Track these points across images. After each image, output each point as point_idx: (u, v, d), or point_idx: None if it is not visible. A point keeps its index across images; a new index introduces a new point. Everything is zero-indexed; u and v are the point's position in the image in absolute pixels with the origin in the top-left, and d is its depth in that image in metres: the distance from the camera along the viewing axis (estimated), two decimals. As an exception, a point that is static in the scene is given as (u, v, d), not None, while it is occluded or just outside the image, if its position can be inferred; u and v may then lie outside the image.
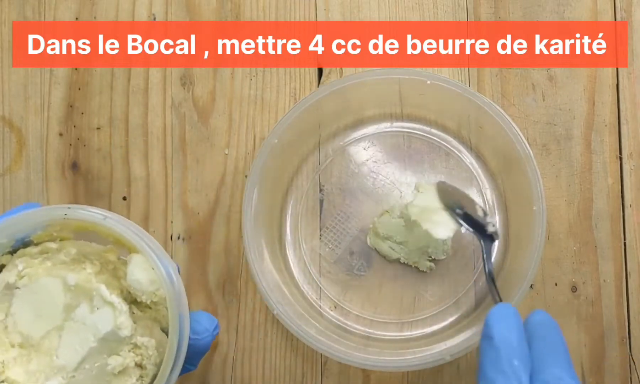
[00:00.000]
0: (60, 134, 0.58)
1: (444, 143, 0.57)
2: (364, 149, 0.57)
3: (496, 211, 0.56)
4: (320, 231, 0.56)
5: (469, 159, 0.57)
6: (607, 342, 0.55)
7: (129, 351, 0.39)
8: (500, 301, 0.45)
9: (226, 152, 0.57)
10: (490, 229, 0.50)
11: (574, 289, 0.56)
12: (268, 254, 0.54)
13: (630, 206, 0.56)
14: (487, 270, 0.48)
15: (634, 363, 0.55)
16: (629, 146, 0.57)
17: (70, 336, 0.39)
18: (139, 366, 0.39)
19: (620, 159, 0.57)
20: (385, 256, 0.55)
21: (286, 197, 0.57)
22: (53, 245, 0.41)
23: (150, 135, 0.58)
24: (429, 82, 0.52)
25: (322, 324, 0.54)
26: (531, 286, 0.56)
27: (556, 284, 0.56)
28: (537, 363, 0.38)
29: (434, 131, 0.57)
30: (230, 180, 0.57)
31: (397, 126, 0.57)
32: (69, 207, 0.39)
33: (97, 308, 0.39)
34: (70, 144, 0.58)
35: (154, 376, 0.39)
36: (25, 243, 0.41)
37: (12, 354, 0.39)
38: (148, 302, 0.40)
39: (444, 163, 0.57)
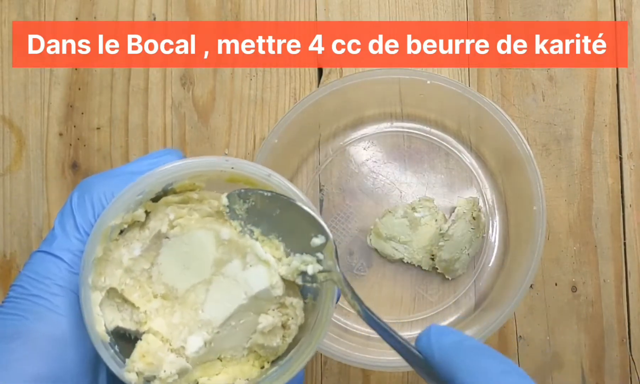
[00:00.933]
0: (60, 134, 0.58)
1: (444, 143, 0.57)
2: (364, 149, 0.57)
3: (496, 211, 0.56)
4: (320, 231, 0.56)
5: (469, 159, 0.57)
6: (607, 342, 0.55)
7: (275, 309, 0.37)
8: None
9: (226, 152, 0.57)
10: None
11: (574, 289, 0.56)
12: (268, 254, 0.54)
13: (630, 206, 0.56)
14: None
15: (634, 363, 0.55)
16: (629, 146, 0.57)
17: (218, 291, 0.37)
18: (283, 326, 0.38)
19: (620, 159, 0.57)
20: (388, 256, 0.55)
21: (286, 197, 0.57)
22: (194, 195, 0.38)
23: (150, 135, 0.58)
24: (429, 82, 0.52)
25: (322, 324, 0.54)
26: (531, 286, 0.56)
27: (556, 284, 0.56)
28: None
29: (434, 131, 0.57)
30: (230, 180, 0.57)
31: (397, 126, 0.57)
32: (232, 163, 0.36)
33: (250, 265, 0.37)
34: (70, 144, 0.58)
35: (295, 338, 0.38)
36: (166, 191, 0.38)
37: (154, 305, 0.37)
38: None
39: (444, 163, 0.57)
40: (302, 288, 0.39)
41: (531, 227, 0.51)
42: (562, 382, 0.55)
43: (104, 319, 0.35)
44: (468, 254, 0.54)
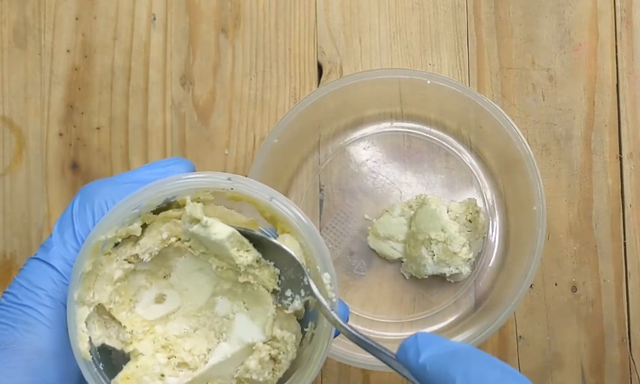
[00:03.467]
0: (60, 134, 0.58)
1: (444, 143, 0.57)
2: (364, 149, 0.57)
3: (496, 211, 0.56)
4: (320, 231, 0.56)
5: (469, 159, 0.57)
6: (607, 342, 0.55)
7: (266, 342, 0.36)
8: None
9: (226, 152, 0.57)
10: None
11: (574, 289, 0.56)
12: (268, 254, 0.53)
13: (630, 206, 0.56)
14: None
15: (634, 363, 0.55)
16: (629, 146, 0.57)
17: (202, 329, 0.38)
18: (273, 359, 0.37)
19: (620, 159, 0.57)
20: (387, 256, 0.55)
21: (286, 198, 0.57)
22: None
23: (150, 135, 0.58)
24: (429, 82, 0.52)
25: (322, 324, 0.54)
26: (531, 286, 0.56)
27: (556, 284, 0.56)
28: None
29: (434, 131, 0.57)
30: (230, 180, 0.57)
31: (397, 126, 0.57)
32: (233, 182, 0.35)
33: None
34: (70, 144, 0.58)
35: (287, 373, 0.37)
36: (169, 203, 0.37)
37: (141, 327, 0.36)
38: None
39: (444, 163, 0.57)
40: (306, 315, 0.38)
41: (531, 227, 0.51)
42: (562, 382, 0.55)
43: (90, 335, 0.34)
44: (468, 254, 0.54)
